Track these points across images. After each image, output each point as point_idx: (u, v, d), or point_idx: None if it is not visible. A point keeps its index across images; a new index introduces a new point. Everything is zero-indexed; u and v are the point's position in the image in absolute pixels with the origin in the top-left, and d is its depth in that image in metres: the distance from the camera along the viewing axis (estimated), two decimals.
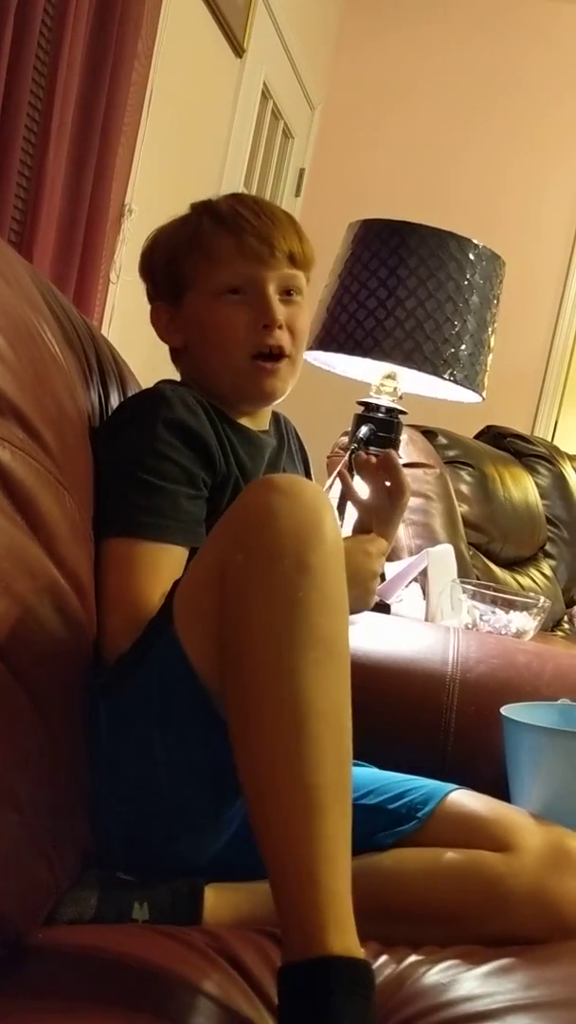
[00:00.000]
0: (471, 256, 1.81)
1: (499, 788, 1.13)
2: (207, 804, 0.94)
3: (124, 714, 0.93)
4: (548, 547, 2.93)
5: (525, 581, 2.74)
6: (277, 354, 1.11)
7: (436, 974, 0.89)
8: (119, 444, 1.06)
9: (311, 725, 0.77)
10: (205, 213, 1.13)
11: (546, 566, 2.89)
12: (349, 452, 1.89)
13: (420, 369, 1.78)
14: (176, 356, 1.20)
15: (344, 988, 0.72)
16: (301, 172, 3.74)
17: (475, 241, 1.83)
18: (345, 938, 0.74)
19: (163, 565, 0.98)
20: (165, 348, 1.21)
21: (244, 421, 1.15)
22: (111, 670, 0.95)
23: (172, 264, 1.14)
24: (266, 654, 0.78)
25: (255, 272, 1.10)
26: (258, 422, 1.19)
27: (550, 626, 2.77)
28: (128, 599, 0.97)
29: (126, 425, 1.08)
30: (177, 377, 1.20)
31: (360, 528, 1.27)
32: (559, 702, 1.25)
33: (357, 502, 1.28)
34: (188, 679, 0.87)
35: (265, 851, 0.77)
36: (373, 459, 1.29)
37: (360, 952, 0.75)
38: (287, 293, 1.13)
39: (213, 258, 1.10)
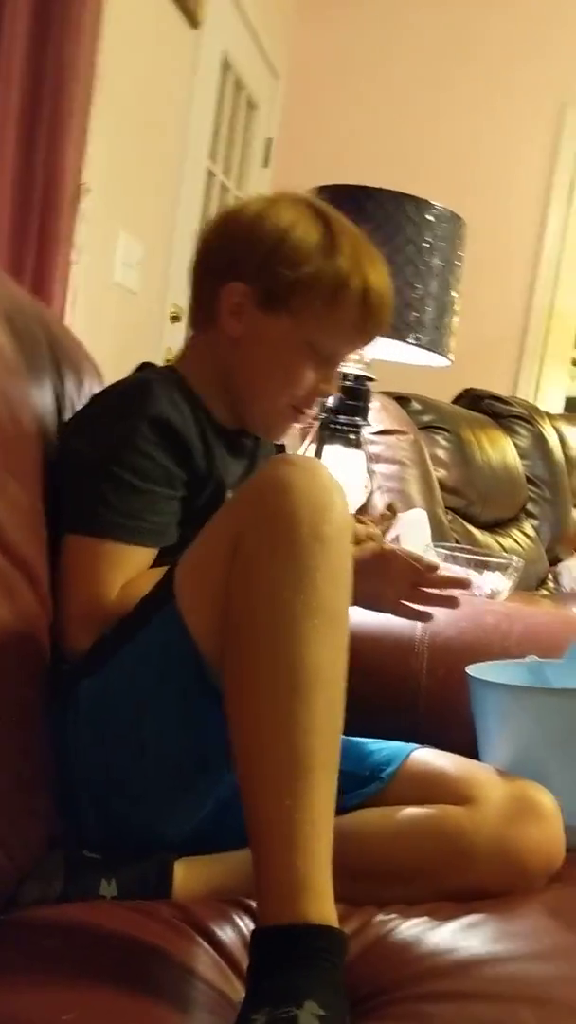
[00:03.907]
0: (429, 217, 1.80)
1: (471, 751, 1.14)
2: (189, 779, 0.95)
3: (109, 691, 0.94)
4: (530, 507, 2.94)
5: (507, 542, 2.74)
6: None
7: (403, 932, 0.91)
8: (97, 433, 1.04)
9: (307, 689, 0.78)
10: (358, 273, 1.07)
11: (528, 526, 2.90)
12: (320, 423, 1.89)
13: (382, 335, 1.78)
14: (203, 329, 1.13)
15: (314, 955, 0.72)
16: (268, 142, 3.71)
17: (433, 202, 1.82)
18: (322, 906, 0.75)
19: (127, 564, 1.00)
20: (135, 331, 1.19)
21: (224, 421, 1.14)
22: (91, 653, 0.96)
23: (298, 285, 1.07)
24: (270, 618, 0.80)
25: (348, 350, 1.14)
26: (236, 423, 1.17)
27: (535, 585, 2.78)
28: (88, 593, 0.98)
29: (107, 415, 1.06)
30: (145, 351, 1.17)
31: None
32: (527, 659, 1.26)
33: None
34: (187, 652, 0.88)
35: (249, 813, 0.78)
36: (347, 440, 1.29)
37: (335, 920, 0.76)
38: None
39: (338, 320, 1.08)
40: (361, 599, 1.05)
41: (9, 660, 0.89)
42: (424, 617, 1.17)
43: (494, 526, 2.75)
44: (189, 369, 1.13)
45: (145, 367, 1.15)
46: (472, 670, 1.18)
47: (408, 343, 1.79)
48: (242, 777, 0.79)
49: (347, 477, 1.79)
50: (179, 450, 1.04)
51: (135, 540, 1.01)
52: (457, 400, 3.04)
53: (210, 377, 1.12)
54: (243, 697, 0.81)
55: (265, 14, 3.36)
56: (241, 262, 1.09)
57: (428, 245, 1.82)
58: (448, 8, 3.65)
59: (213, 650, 0.86)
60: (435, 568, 1.15)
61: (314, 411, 1.13)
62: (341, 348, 1.13)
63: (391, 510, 1.22)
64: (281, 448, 1.31)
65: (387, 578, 1.13)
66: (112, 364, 1.28)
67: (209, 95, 3.04)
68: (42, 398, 1.11)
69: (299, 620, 0.79)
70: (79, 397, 1.19)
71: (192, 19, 2.73)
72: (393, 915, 0.93)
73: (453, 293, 1.89)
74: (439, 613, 1.35)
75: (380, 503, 2.14)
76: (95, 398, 1.12)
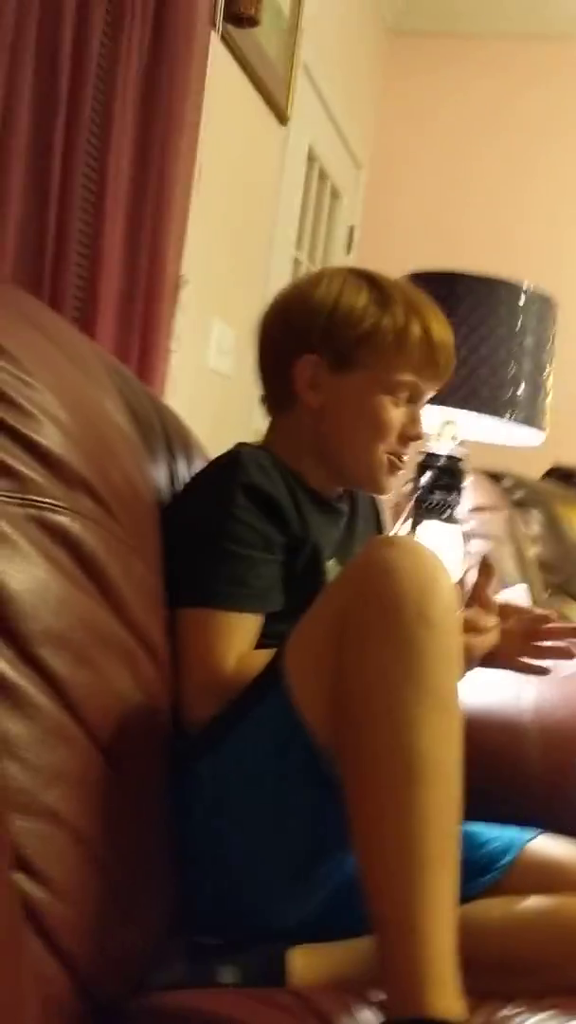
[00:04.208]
0: (521, 300, 1.83)
1: None
2: (304, 865, 0.94)
3: (225, 771, 0.94)
4: None
5: None
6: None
7: None
8: (197, 509, 1.08)
9: (425, 777, 0.78)
10: (415, 316, 1.12)
11: None
12: (414, 500, 1.90)
13: (479, 412, 1.79)
14: (291, 407, 1.16)
15: None
16: (351, 230, 3.81)
17: (524, 285, 1.84)
18: (447, 998, 0.73)
19: (237, 631, 1.01)
20: (229, 414, 1.22)
21: (319, 489, 1.16)
22: (207, 730, 0.96)
23: (363, 339, 1.11)
24: (382, 704, 0.80)
25: (423, 389, 1.15)
26: (331, 491, 1.19)
27: None
28: (204, 663, 0.99)
29: (204, 489, 1.10)
30: (240, 431, 1.21)
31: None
32: None
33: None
34: (298, 735, 0.88)
35: (371, 905, 0.77)
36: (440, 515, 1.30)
37: (462, 1014, 0.74)
38: None
39: (410, 362, 1.11)
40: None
41: (136, 735, 0.90)
42: (541, 671, 1.14)
43: None
44: (277, 447, 1.16)
45: (238, 445, 1.18)
46: None
47: (504, 419, 1.80)
48: (362, 867, 0.79)
49: (445, 553, 1.79)
50: (273, 514, 1.06)
51: (240, 606, 1.02)
52: (545, 477, 3.02)
53: (300, 451, 1.14)
54: (359, 785, 0.80)
55: (348, 107, 3.49)
56: (304, 336, 1.13)
57: (520, 326, 1.84)
58: (528, 92, 3.73)
59: (324, 731, 0.86)
60: (548, 619, 1.13)
61: (407, 453, 1.16)
62: (416, 391, 1.14)
63: (487, 565, 1.17)
64: (375, 512, 1.31)
65: (503, 637, 1.11)
66: (209, 445, 1.32)
67: (296, 186, 3.15)
68: (159, 477, 1.14)
69: (411, 705, 0.79)
70: (189, 475, 1.23)
71: (281, 116, 2.84)
72: (520, 1009, 0.90)
73: (547, 370, 1.90)
74: (552, 693, 1.33)
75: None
76: (195, 476, 1.16)
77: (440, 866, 0.77)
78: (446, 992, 0.74)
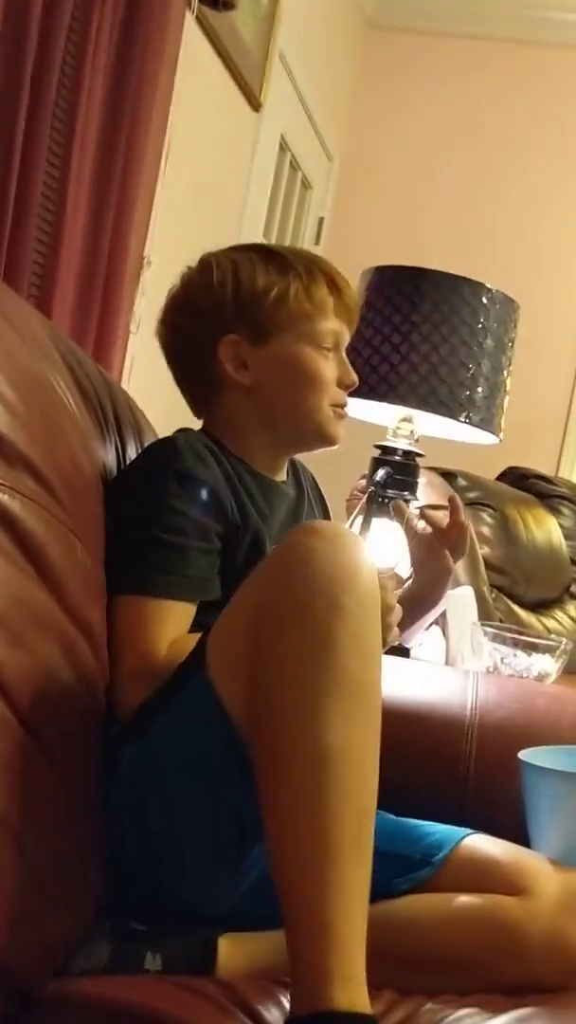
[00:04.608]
0: (484, 300, 1.83)
1: (519, 834, 1.12)
2: (228, 851, 0.93)
3: (149, 757, 0.93)
4: (574, 588, 2.91)
5: (551, 623, 2.71)
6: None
7: (452, 1023, 0.88)
8: (132, 495, 1.07)
9: (334, 769, 0.77)
10: (313, 265, 1.16)
11: (572, 608, 2.87)
12: (367, 495, 1.90)
13: (435, 412, 1.79)
14: (220, 393, 1.16)
15: None
16: (320, 221, 3.80)
17: (488, 285, 1.84)
18: (352, 993, 0.73)
19: (170, 618, 1.01)
20: (184, 402, 1.21)
21: (263, 470, 1.16)
22: (135, 716, 0.96)
23: (266, 304, 1.13)
24: (294, 694, 0.79)
25: (342, 333, 1.17)
26: (277, 471, 1.20)
27: None
28: (135, 650, 0.99)
29: (137, 476, 1.10)
30: (198, 425, 1.20)
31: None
32: None
33: (412, 542, 1.29)
34: (219, 723, 0.88)
35: (281, 897, 0.77)
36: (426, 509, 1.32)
37: (368, 1008, 0.74)
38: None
39: (322, 310, 1.14)
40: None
41: (69, 722, 0.89)
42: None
43: (538, 606, 2.72)
44: (217, 431, 1.16)
45: (178, 432, 1.16)
46: (524, 755, 1.16)
47: (460, 421, 1.80)
48: (273, 860, 0.78)
49: (394, 551, 1.79)
50: (207, 501, 1.05)
51: (174, 595, 1.02)
52: (500, 478, 3.05)
53: (242, 434, 1.14)
54: (269, 776, 0.79)
55: (323, 97, 3.47)
56: (216, 321, 1.14)
57: (482, 327, 1.84)
58: (504, 96, 3.74)
59: (243, 720, 0.85)
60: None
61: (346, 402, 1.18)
62: (339, 337, 1.17)
63: (397, 507, 1.31)
64: (320, 496, 1.32)
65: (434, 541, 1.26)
66: (164, 430, 1.30)
67: (266, 175, 3.13)
68: (107, 460, 1.13)
69: (322, 696, 0.78)
70: None
71: (254, 103, 2.82)
72: (442, 1005, 0.90)
73: (505, 374, 1.91)
74: (490, 694, 1.34)
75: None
76: (131, 462, 1.16)
77: (349, 859, 0.76)
78: (350, 986, 0.73)
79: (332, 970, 0.72)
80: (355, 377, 1.17)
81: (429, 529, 1.30)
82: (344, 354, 1.18)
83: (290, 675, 0.79)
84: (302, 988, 0.73)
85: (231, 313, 1.14)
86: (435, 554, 1.28)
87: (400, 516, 1.30)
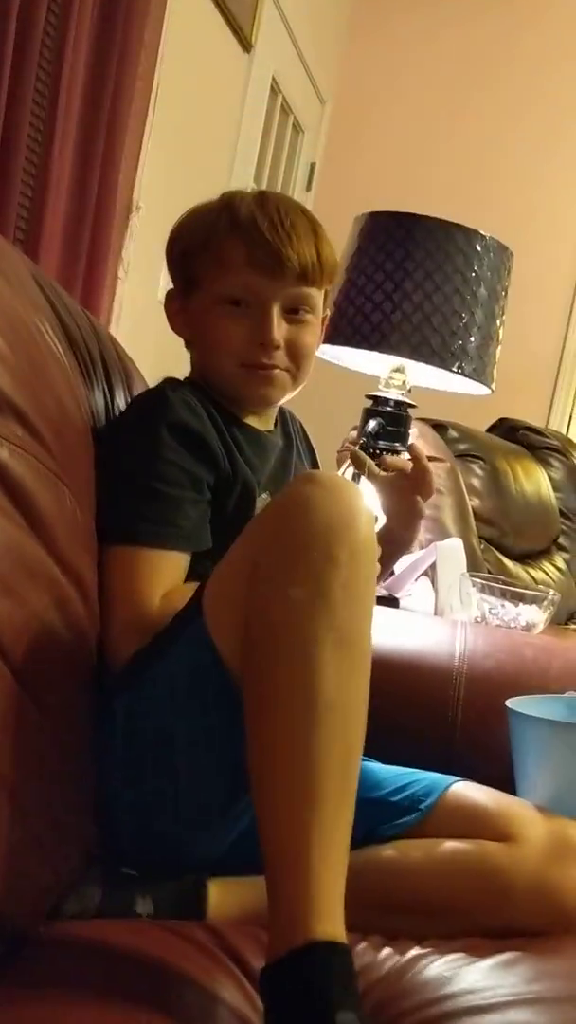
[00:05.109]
0: (478, 248, 1.80)
1: (506, 783, 1.13)
2: (221, 798, 0.94)
3: (143, 707, 0.94)
4: (562, 540, 2.92)
5: (538, 574, 2.73)
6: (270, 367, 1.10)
7: (439, 967, 0.89)
8: (122, 446, 1.06)
9: (322, 716, 0.77)
10: (224, 212, 1.09)
11: (560, 559, 2.88)
12: (358, 446, 1.89)
13: (428, 362, 1.78)
14: (187, 345, 1.19)
15: (327, 969, 0.71)
16: (312, 166, 3.74)
17: (482, 232, 1.82)
18: (329, 926, 0.73)
19: (163, 569, 1.00)
20: (175, 345, 1.20)
21: (250, 420, 1.15)
22: (126, 665, 0.96)
23: (186, 258, 1.12)
24: (285, 643, 0.79)
25: (260, 287, 1.07)
26: (264, 421, 1.18)
27: (564, 619, 2.76)
28: (129, 601, 0.98)
29: (129, 427, 1.09)
30: (187, 365, 1.19)
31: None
32: (566, 695, 1.25)
33: (380, 488, 1.28)
34: (215, 669, 0.88)
35: (263, 842, 0.77)
36: (388, 455, 1.30)
37: (342, 938, 0.74)
38: (294, 311, 1.10)
39: (223, 264, 1.07)
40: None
41: (60, 672, 0.89)
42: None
43: (526, 557, 2.73)
44: (197, 379, 1.15)
45: (165, 381, 1.16)
46: (512, 704, 1.17)
47: (452, 371, 1.78)
48: (256, 803, 0.79)
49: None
50: (200, 452, 1.05)
51: (166, 545, 1.01)
52: (491, 429, 3.04)
53: (206, 381, 1.13)
54: (257, 722, 0.80)
55: (315, 38, 3.40)
56: (169, 272, 1.16)
57: (475, 275, 1.81)
58: (493, 37, 3.67)
59: (238, 667, 0.85)
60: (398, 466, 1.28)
61: (273, 361, 1.09)
62: (251, 290, 1.07)
63: (355, 456, 1.31)
64: (309, 446, 1.32)
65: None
66: (152, 377, 1.29)
67: (257, 118, 3.07)
68: (95, 407, 1.12)
69: (313, 644, 0.78)
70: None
71: (245, 43, 2.76)
72: (428, 949, 0.92)
73: (498, 323, 1.89)
74: (478, 644, 1.35)
75: None
76: (122, 412, 1.15)
77: (332, 804, 0.77)
78: (329, 920, 0.73)
79: (311, 908, 0.73)
80: (270, 336, 1.07)
81: (389, 474, 1.28)
82: (270, 309, 1.07)
83: (284, 623, 0.80)
84: (281, 927, 0.74)
85: (169, 268, 1.15)
86: (402, 497, 1.27)
87: (360, 465, 1.28)
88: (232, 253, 1.07)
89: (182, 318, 1.15)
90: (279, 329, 1.08)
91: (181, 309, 1.14)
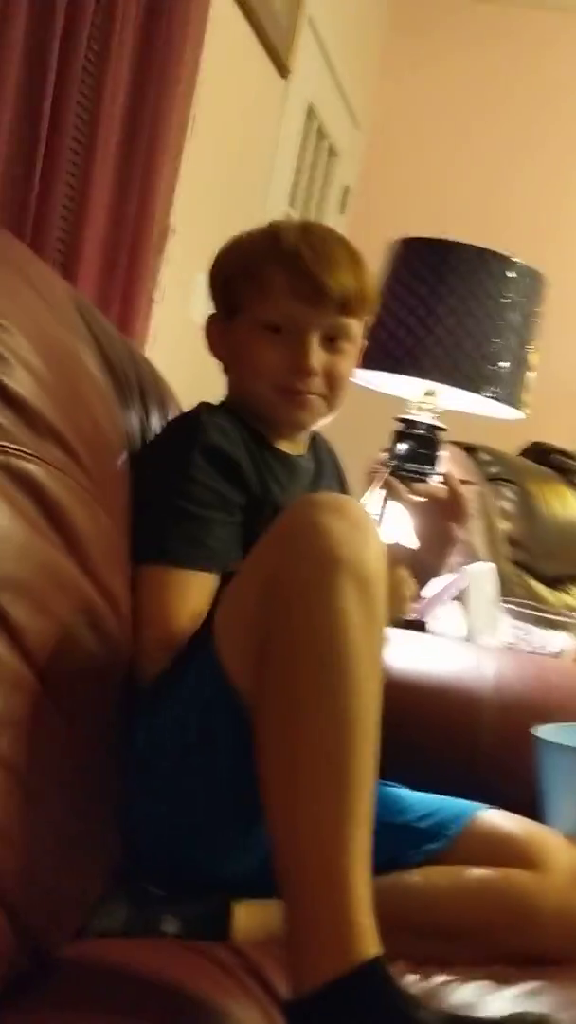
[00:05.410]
0: (511, 274, 1.81)
1: (532, 810, 1.13)
2: (240, 821, 0.94)
3: (161, 730, 0.95)
4: None
5: (570, 599, 2.70)
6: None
7: (465, 993, 0.90)
8: (155, 467, 1.08)
9: (353, 735, 0.78)
10: (269, 239, 1.11)
11: None
12: (389, 469, 1.89)
13: (460, 386, 1.78)
14: (225, 369, 1.20)
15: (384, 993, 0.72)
16: (346, 190, 3.76)
17: (515, 259, 1.83)
18: (373, 941, 0.74)
19: (192, 589, 1.01)
20: (209, 368, 1.22)
21: (282, 445, 1.16)
22: (149, 687, 0.97)
23: (229, 284, 1.14)
24: (315, 662, 0.79)
25: (300, 315, 1.09)
26: (296, 446, 1.19)
27: None
28: (157, 620, 0.99)
29: (163, 449, 1.10)
30: (221, 388, 1.20)
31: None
32: None
33: (412, 513, 1.28)
34: (225, 694, 0.89)
35: (290, 860, 0.77)
36: (419, 480, 1.30)
37: (378, 948, 0.75)
38: (332, 340, 1.11)
39: (264, 290, 1.09)
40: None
41: (91, 688, 0.90)
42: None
43: (557, 582, 2.71)
44: (232, 403, 1.16)
45: (201, 405, 1.17)
46: (540, 732, 1.16)
47: (484, 395, 1.79)
48: (280, 824, 0.78)
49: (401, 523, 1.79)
50: (232, 476, 1.06)
51: (195, 565, 1.02)
52: (524, 453, 3.03)
53: (242, 407, 1.14)
54: (287, 740, 0.80)
55: (351, 64, 3.43)
56: (210, 295, 1.18)
57: (508, 300, 1.82)
58: (533, 63, 3.68)
59: (248, 691, 0.86)
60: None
61: (309, 388, 1.10)
62: (291, 318, 1.09)
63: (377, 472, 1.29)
64: (339, 471, 1.32)
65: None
66: (187, 400, 1.31)
67: (293, 142, 3.10)
68: (131, 430, 1.13)
69: (343, 662, 0.79)
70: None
71: (282, 69, 2.79)
72: (455, 975, 0.92)
73: (530, 348, 1.90)
74: (507, 670, 1.35)
75: None
76: (157, 435, 1.16)
77: (363, 827, 0.77)
78: (374, 935, 0.74)
79: (354, 929, 0.73)
80: (307, 363, 1.09)
81: (421, 499, 1.27)
82: (309, 337, 1.09)
83: (310, 642, 0.80)
84: (323, 951, 0.73)
85: (211, 291, 1.17)
86: (434, 523, 1.26)
87: (390, 489, 1.28)
88: (274, 280, 1.09)
89: (222, 341, 1.16)
90: (317, 357, 1.10)
91: (222, 333, 1.16)
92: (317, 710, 0.79)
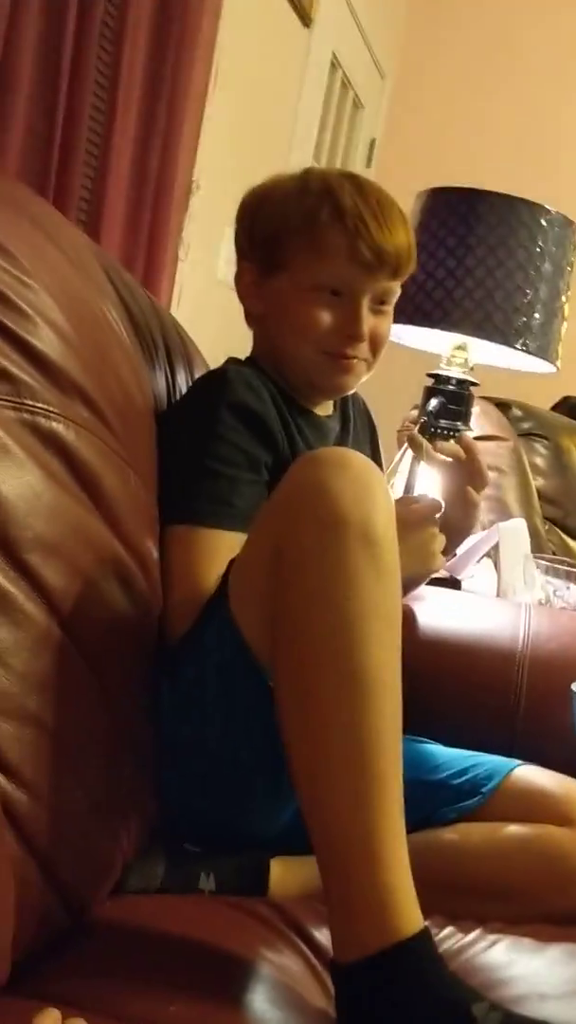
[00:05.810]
0: (543, 222, 1.77)
1: (568, 767, 1.12)
2: (268, 778, 0.94)
3: (184, 692, 0.95)
4: None
5: None
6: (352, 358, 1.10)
7: (502, 949, 0.89)
8: (184, 426, 1.07)
9: (374, 693, 0.77)
10: (326, 199, 1.06)
11: None
12: (419, 425, 1.87)
13: (490, 339, 1.75)
14: (251, 319, 1.16)
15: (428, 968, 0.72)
16: (372, 142, 3.70)
17: (547, 207, 1.78)
18: (412, 912, 0.74)
19: (221, 549, 0.99)
20: (235, 326, 1.20)
21: (309, 404, 1.15)
22: (170, 651, 0.97)
23: (277, 237, 1.09)
24: (326, 625, 0.78)
25: (357, 280, 1.07)
26: (324, 406, 1.18)
27: None
28: (186, 581, 0.99)
29: (190, 407, 1.09)
30: (248, 346, 1.18)
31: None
32: None
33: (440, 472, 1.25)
34: (242, 655, 0.89)
35: (323, 829, 0.77)
36: (446, 442, 1.27)
37: (421, 921, 0.74)
38: (379, 302, 1.10)
39: (321, 252, 1.06)
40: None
41: (123, 647, 0.90)
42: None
43: None
44: (261, 361, 1.14)
45: (229, 361, 1.15)
46: None
47: (516, 348, 1.76)
48: (309, 793, 0.77)
49: (430, 480, 1.77)
50: (260, 433, 1.04)
51: (223, 525, 1.01)
52: (555, 407, 2.99)
53: (271, 364, 1.12)
54: (306, 707, 0.79)
55: (375, 12, 3.35)
56: (240, 244, 1.14)
57: (540, 250, 1.78)
58: (561, 6, 3.58)
59: (264, 650, 0.86)
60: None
61: (356, 353, 1.09)
62: (347, 282, 1.07)
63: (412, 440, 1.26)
64: (371, 428, 1.31)
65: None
66: (212, 358, 1.29)
67: (317, 93, 3.04)
68: (157, 389, 1.12)
69: (355, 624, 0.78)
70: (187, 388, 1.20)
71: (305, 18, 2.73)
72: (492, 932, 0.92)
73: (563, 299, 1.86)
74: (542, 626, 1.33)
75: None
76: (184, 394, 1.15)
77: (392, 782, 0.76)
78: (411, 906, 0.74)
79: (394, 899, 0.73)
80: (360, 329, 1.07)
81: (446, 459, 1.25)
82: (362, 302, 1.07)
83: (319, 607, 0.79)
84: (363, 921, 0.73)
85: (247, 237, 1.13)
86: (458, 484, 1.24)
87: (417, 448, 1.25)
88: (334, 244, 1.06)
89: (258, 292, 1.12)
90: (368, 322, 1.08)
91: (257, 283, 1.12)
92: (337, 676, 0.78)
